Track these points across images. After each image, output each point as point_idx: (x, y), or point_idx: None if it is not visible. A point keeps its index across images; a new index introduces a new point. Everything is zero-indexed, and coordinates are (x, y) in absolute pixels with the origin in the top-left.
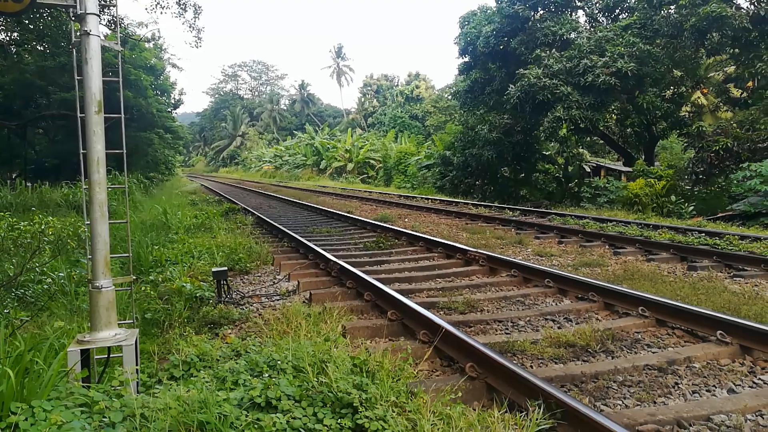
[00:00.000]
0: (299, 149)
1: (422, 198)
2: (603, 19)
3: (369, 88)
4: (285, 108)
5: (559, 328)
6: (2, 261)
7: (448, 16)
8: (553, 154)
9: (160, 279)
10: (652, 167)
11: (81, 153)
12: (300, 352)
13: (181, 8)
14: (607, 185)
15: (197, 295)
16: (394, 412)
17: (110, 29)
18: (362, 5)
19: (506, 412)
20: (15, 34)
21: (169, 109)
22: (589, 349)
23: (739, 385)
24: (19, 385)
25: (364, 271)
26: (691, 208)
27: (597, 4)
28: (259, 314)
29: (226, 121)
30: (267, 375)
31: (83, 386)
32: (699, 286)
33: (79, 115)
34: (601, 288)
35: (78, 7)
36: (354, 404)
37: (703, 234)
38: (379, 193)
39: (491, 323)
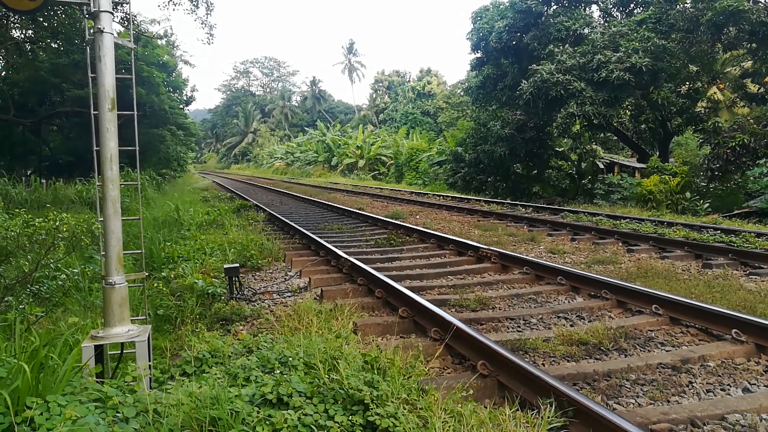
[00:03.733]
0: (310, 146)
1: (434, 195)
2: (617, 13)
3: (380, 84)
4: (296, 104)
5: (571, 326)
6: (18, 257)
7: (460, 12)
8: (566, 150)
9: (172, 275)
10: (666, 164)
11: (94, 150)
12: (311, 348)
13: (194, 5)
14: (620, 182)
15: (209, 291)
16: (405, 409)
17: (123, 26)
18: (374, 1)
19: (518, 410)
20: (30, 31)
21: (181, 106)
22: (602, 347)
23: (754, 384)
24: (34, 380)
25: (375, 268)
26: (707, 205)
27: None
28: (271, 311)
29: (238, 118)
30: (278, 371)
31: (97, 381)
32: (714, 284)
33: (92, 112)
34: (614, 286)
35: (92, 4)
36: (365, 401)
37: (719, 231)
38: (391, 189)
39: (503, 321)
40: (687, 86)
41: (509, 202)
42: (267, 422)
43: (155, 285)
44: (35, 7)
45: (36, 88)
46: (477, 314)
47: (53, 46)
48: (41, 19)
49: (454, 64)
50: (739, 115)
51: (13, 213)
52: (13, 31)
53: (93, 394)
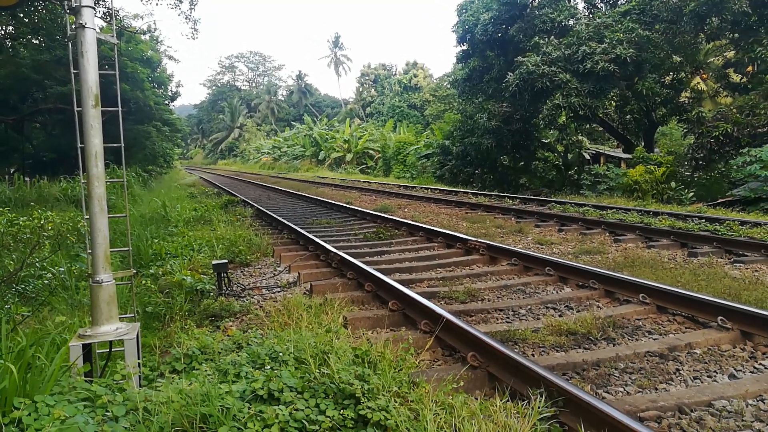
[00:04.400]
0: (297, 140)
1: (422, 188)
2: (602, 5)
3: (367, 78)
4: (283, 99)
5: (560, 316)
6: (2, 257)
7: (445, 4)
8: (552, 141)
9: (160, 272)
10: (651, 154)
11: (79, 147)
12: (301, 343)
13: None
14: (606, 172)
15: (198, 288)
16: (396, 402)
17: (105, 22)
18: None
19: (508, 400)
20: (10, 27)
21: (166, 102)
22: (591, 337)
23: (740, 370)
24: (21, 381)
25: (364, 262)
26: (691, 194)
27: None
28: (260, 306)
29: (224, 113)
30: (269, 367)
31: (86, 381)
32: (699, 272)
33: (76, 108)
34: (601, 275)
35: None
36: (356, 395)
37: (703, 220)
38: (379, 183)
39: (492, 312)
40: (671, 77)
41: (496, 194)
42: (258, 418)
43: (143, 282)
44: (15, 2)
45: (17, 84)
46: (466, 306)
47: (34, 42)
48: (21, 15)
49: (440, 56)
50: (722, 105)
51: None
52: None
53: (81, 393)
